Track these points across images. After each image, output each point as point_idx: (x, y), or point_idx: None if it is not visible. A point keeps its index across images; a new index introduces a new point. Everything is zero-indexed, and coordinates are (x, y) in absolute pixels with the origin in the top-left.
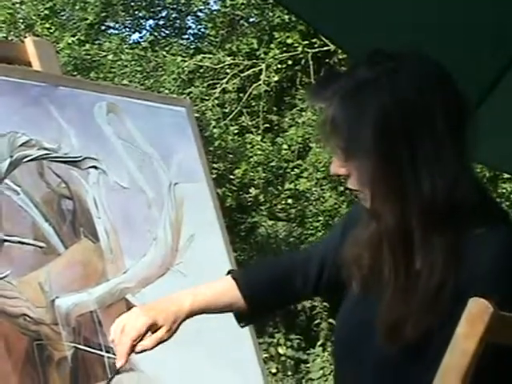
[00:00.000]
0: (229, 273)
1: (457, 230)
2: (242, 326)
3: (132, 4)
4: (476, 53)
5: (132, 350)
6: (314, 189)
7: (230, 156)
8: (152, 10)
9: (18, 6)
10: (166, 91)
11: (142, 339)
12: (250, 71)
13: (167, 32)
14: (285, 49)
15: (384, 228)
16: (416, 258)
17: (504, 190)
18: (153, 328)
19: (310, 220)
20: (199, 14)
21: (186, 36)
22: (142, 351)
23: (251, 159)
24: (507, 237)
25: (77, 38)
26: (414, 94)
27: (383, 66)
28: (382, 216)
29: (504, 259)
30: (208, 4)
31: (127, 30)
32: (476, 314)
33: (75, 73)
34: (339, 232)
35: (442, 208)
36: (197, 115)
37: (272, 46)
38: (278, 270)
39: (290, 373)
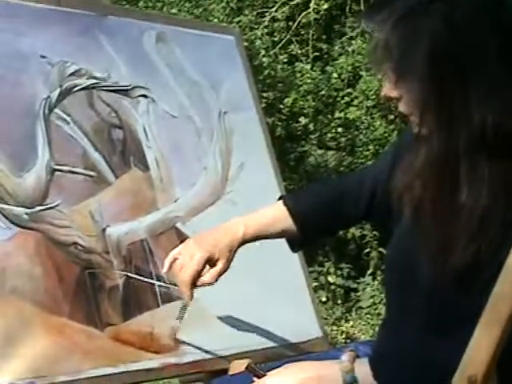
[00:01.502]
0: (280, 198)
1: (507, 160)
2: (294, 251)
3: None
4: None
5: (193, 285)
6: (364, 117)
7: (280, 85)
8: None
9: None
10: (215, 20)
11: (200, 274)
12: None
13: None
14: None
15: (430, 154)
16: (462, 188)
17: None
18: (210, 261)
19: (360, 149)
20: None
21: None
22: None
23: (301, 88)
24: None
25: None
26: (468, 18)
27: None
28: (429, 141)
29: None
30: None
31: None
32: None
33: (124, 2)
34: (390, 158)
35: (492, 137)
36: (246, 44)
37: None
38: (329, 193)
39: (339, 301)
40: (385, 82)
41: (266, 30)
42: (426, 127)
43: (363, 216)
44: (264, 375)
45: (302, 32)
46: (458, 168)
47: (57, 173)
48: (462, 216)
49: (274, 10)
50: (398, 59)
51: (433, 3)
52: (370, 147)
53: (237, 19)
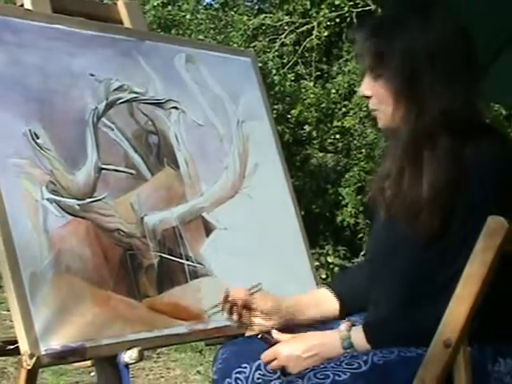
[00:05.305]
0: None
1: (459, 142)
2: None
3: None
4: None
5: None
6: (357, 126)
7: (288, 99)
8: None
9: None
10: (235, 45)
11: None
12: (304, 28)
13: None
14: (333, 9)
15: (401, 139)
16: (424, 167)
17: None
18: None
19: (354, 152)
20: None
21: None
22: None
23: (305, 101)
24: (500, 150)
25: (160, 0)
26: (443, 31)
27: (415, 8)
28: (399, 129)
29: (493, 165)
30: None
31: None
32: (494, 229)
33: (159, 30)
34: None
35: (447, 122)
36: (260, 65)
37: (322, 6)
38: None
39: None
40: (364, 82)
41: (276, 53)
42: (397, 116)
43: None
44: (276, 342)
45: (307, 55)
46: (421, 151)
47: (103, 171)
48: (424, 192)
49: (283, 36)
50: (378, 62)
51: (411, 15)
52: (363, 150)
53: (252, 44)
